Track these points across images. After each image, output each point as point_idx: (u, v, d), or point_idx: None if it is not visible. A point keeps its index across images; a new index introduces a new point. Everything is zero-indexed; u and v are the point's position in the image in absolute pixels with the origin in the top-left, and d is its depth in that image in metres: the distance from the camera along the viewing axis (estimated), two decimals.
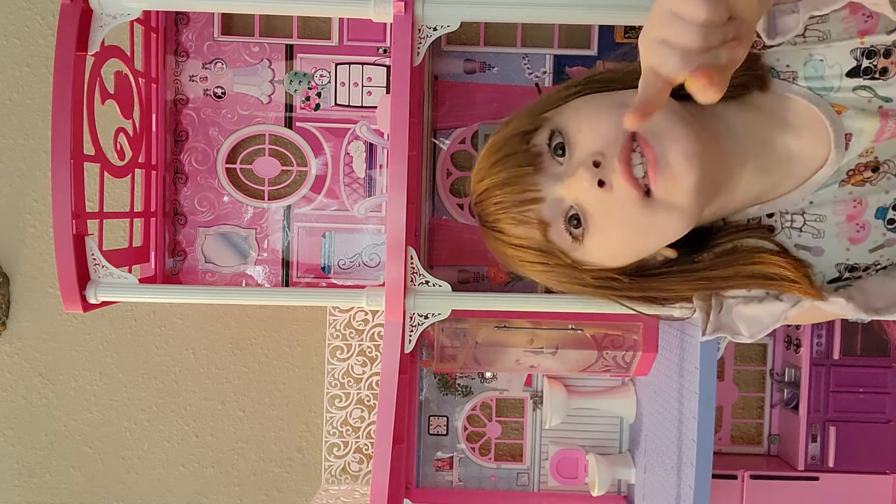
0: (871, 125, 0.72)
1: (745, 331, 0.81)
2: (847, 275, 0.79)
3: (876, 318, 0.77)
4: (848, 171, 0.74)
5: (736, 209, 0.77)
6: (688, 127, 0.68)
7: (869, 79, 0.72)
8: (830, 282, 0.80)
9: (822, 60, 0.73)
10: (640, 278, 0.78)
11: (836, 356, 1.54)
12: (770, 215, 0.78)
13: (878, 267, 0.79)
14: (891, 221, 0.76)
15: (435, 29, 1.17)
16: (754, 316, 0.80)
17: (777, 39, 0.73)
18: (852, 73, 0.72)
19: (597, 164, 0.68)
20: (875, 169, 0.74)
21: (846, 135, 0.73)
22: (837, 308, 0.77)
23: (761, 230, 0.78)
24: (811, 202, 0.76)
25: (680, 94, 0.66)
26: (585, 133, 0.69)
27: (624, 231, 0.71)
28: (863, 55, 0.72)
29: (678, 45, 0.56)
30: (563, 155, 0.71)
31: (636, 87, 0.64)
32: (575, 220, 0.71)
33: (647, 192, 0.68)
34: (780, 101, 0.74)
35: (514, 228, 0.74)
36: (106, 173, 1.34)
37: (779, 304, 0.79)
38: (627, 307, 0.80)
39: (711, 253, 0.78)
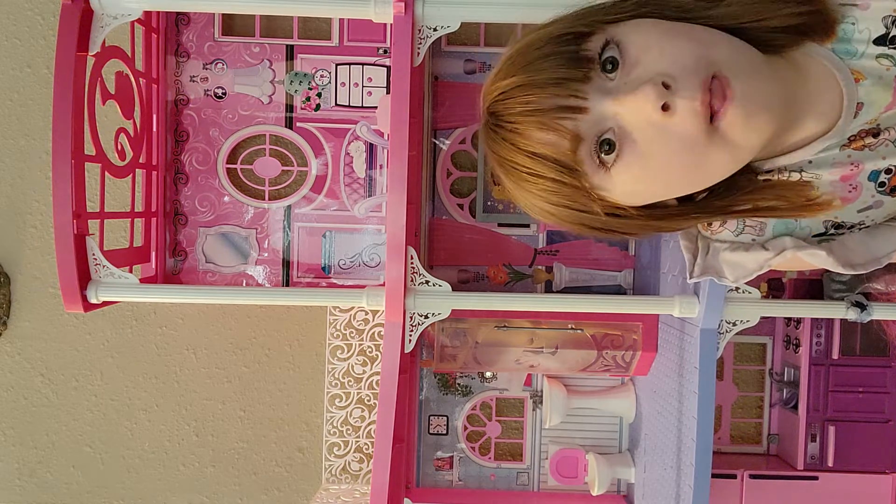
0: (884, 98, 0.73)
1: (730, 275, 0.82)
2: (832, 231, 0.81)
3: (852, 272, 0.79)
4: (850, 136, 0.75)
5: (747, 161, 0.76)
6: (770, 71, 0.66)
7: (894, 48, 0.73)
8: (815, 235, 0.82)
9: (853, 24, 0.73)
10: (645, 209, 0.73)
11: (835, 356, 1.54)
12: (769, 171, 0.78)
13: (862, 226, 0.82)
14: (881, 184, 0.78)
15: (435, 29, 1.18)
16: (739, 262, 0.82)
17: None
18: (879, 41, 0.73)
19: (666, 86, 0.62)
20: (876, 135, 0.76)
21: (858, 104, 0.74)
22: (818, 260, 0.79)
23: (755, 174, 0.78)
24: (810, 161, 0.77)
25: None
26: (655, 54, 0.63)
27: (668, 163, 0.65)
28: (893, 23, 0.72)
29: None
30: (612, 70, 0.64)
31: (708, 23, 0.65)
32: (607, 146, 0.65)
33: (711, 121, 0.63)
34: (809, 62, 0.74)
35: (540, 134, 0.65)
36: (107, 173, 1.34)
37: (763, 252, 0.80)
38: (619, 237, 0.77)
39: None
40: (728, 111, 0.62)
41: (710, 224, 0.83)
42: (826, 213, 0.77)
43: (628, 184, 0.67)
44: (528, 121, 0.66)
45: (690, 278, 0.85)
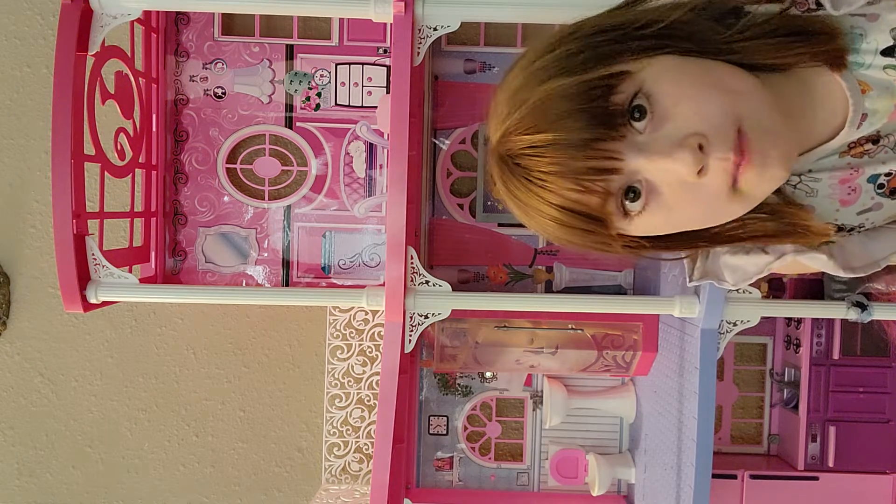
0: (887, 107, 0.73)
1: (730, 278, 0.83)
2: (832, 233, 0.81)
3: (852, 275, 0.80)
4: (849, 143, 0.75)
5: None
6: (787, 124, 0.67)
7: None
8: None
9: (861, 35, 0.73)
10: (658, 238, 0.74)
11: (835, 356, 1.54)
12: None
13: (862, 229, 0.82)
14: (881, 186, 0.78)
15: (435, 29, 1.17)
16: (739, 265, 0.82)
17: (842, 10, 0.72)
18: (886, 52, 0.73)
19: (700, 147, 0.63)
20: (875, 141, 0.76)
21: (862, 115, 0.74)
22: (818, 263, 0.79)
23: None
24: (810, 169, 0.77)
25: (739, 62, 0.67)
26: (687, 110, 0.64)
27: (692, 216, 0.68)
28: None
29: None
30: (640, 119, 0.64)
31: (726, 58, 0.66)
32: (632, 193, 0.66)
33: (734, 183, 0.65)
34: (816, 73, 0.74)
35: (572, 193, 0.66)
36: (106, 173, 1.34)
37: (764, 255, 0.80)
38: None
39: None
40: (751, 175, 0.64)
41: None
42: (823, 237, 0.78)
43: (653, 226, 0.70)
44: (560, 180, 0.66)
45: (690, 282, 0.85)
